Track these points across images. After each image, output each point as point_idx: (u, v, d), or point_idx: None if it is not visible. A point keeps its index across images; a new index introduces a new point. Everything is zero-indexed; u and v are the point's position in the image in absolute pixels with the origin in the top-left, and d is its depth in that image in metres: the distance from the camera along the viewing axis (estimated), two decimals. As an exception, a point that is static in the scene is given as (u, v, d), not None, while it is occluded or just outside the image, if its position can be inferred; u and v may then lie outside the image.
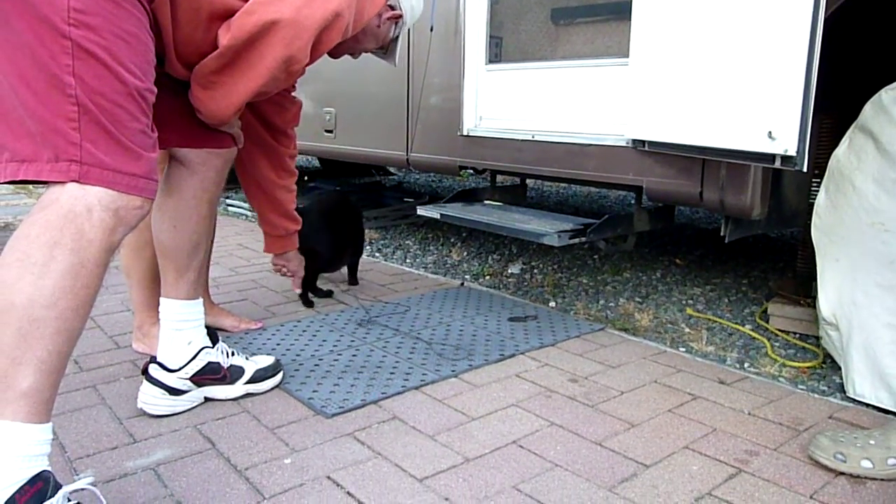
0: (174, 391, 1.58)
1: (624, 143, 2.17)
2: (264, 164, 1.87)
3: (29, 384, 1.01)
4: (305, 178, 6.41)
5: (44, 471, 1.03)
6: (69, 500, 1.05)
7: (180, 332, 1.59)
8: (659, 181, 2.12)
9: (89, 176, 1.08)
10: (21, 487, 0.99)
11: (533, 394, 1.73)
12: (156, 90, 1.21)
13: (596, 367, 1.91)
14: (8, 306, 1.01)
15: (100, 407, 1.64)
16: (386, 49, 1.80)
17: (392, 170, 6.98)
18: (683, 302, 2.68)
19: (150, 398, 1.57)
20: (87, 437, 1.49)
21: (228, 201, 5.10)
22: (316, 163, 7.26)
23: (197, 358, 1.59)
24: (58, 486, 1.03)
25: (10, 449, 1.00)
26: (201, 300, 1.64)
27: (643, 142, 2.09)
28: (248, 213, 4.65)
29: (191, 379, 1.59)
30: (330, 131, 3.58)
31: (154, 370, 1.57)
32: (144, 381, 1.58)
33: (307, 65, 1.44)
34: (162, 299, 1.60)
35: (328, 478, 1.34)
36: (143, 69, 1.17)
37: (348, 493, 1.29)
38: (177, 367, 1.58)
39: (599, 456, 1.43)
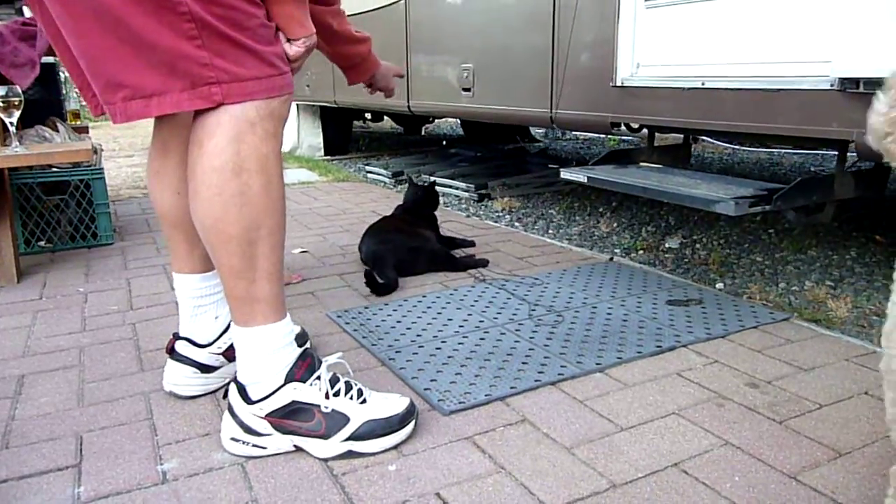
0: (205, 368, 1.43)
1: (826, 86, 1.70)
2: None
3: (266, 293, 1.15)
4: (445, 143, 6.22)
5: (307, 349, 1.24)
6: (329, 371, 1.22)
7: (202, 307, 1.41)
8: (876, 133, 1.63)
9: (233, 94, 1.04)
10: (295, 362, 1.19)
11: (700, 400, 1.38)
12: None
13: (782, 368, 1.51)
14: (227, 239, 1.10)
15: (201, 384, 1.50)
16: None
17: (537, 136, 6.63)
18: (891, 287, 2.16)
19: (180, 378, 1.41)
20: (181, 419, 1.34)
21: (368, 168, 5.00)
22: (460, 131, 7.05)
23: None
24: (320, 361, 1.22)
25: (273, 342, 1.17)
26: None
27: (857, 80, 1.61)
28: (387, 180, 4.52)
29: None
30: (468, 90, 3.30)
31: (182, 346, 1.41)
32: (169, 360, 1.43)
33: None
34: (174, 274, 1.41)
35: (437, 495, 1.09)
36: None
37: (459, 519, 1.03)
38: (206, 343, 1.42)
39: (796, 496, 1.07)
